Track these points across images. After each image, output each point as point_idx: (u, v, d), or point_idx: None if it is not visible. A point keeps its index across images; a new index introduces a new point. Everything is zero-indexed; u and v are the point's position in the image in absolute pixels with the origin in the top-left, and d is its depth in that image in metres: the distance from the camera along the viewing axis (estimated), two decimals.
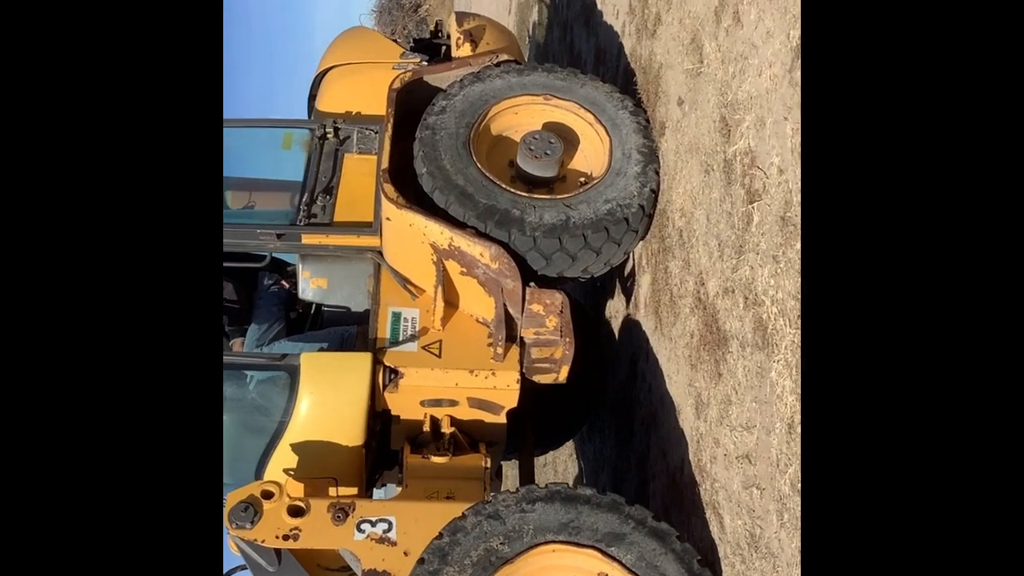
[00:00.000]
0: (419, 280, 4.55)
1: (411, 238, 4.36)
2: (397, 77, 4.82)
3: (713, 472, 3.56)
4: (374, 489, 5.09)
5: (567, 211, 4.32)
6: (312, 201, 4.67)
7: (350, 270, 4.71)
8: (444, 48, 5.50)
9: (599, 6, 6.25)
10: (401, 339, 4.39)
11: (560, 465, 7.44)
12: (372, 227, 4.59)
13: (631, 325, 5.04)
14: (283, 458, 4.28)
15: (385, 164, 4.46)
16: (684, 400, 4.00)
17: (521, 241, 4.25)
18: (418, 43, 5.64)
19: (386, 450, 4.76)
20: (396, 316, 4.48)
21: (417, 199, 4.48)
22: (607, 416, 5.66)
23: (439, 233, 4.26)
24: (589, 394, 5.80)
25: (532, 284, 4.33)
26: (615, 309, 5.51)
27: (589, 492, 3.59)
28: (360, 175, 4.82)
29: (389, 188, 4.36)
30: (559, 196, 4.40)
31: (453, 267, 4.37)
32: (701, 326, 3.77)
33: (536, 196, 4.39)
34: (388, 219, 4.42)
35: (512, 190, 4.38)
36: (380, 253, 4.60)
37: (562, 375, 4.44)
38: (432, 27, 5.92)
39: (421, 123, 4.61)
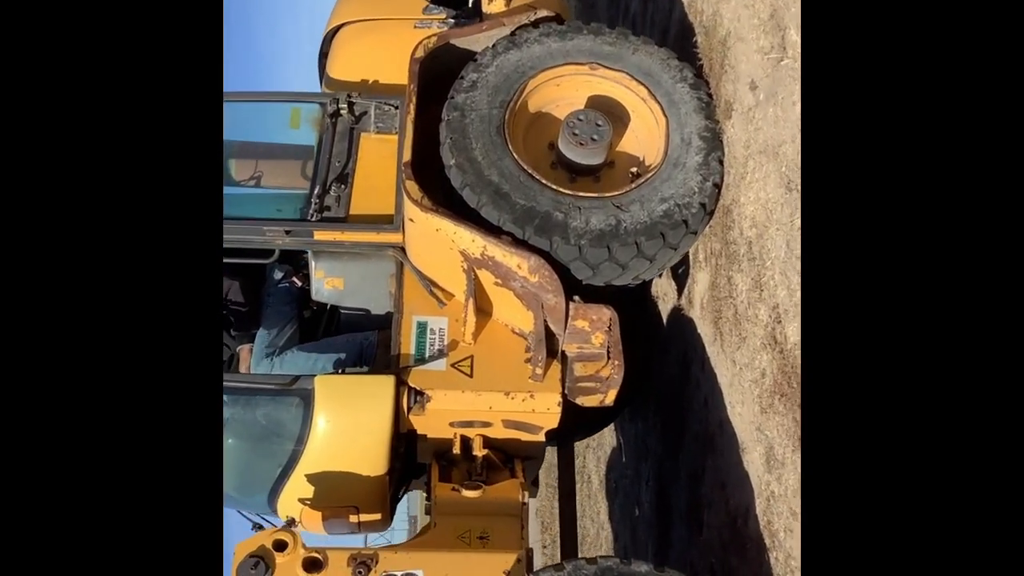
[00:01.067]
0: (447, 284, 4.02)
1: (438, 243, 3.81)
2: (420, 43, 4.15)
3: (788, 546, 3.10)
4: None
5: (617, 213, 3.73)
6: (325, 191, 4.10)
7: (369, 269, 4.18)
8: None
9: None
10: (428, 355, 3.90)
11: (602, 448, 7.02)
12: (394, 223, 4.03)
13: (683, 320, 4.50)
14: (299, 487, 3.87)
15: (407, 156, 3.86)
16: (751, 442, 3.51)
17: (564, 250, 3.69)
18: None
19: (412, 463, 4.34)
20: (422, 327, 3.97)
21: (443, 190, 3.90)
22: (652, 402, 5.19)
23: (470, 241, 3.70)
24: (633, 379, 5.32)
25: (576, 298, 3.79)
26: (662, 291, 4.96)
27: (645, 569, 3.15)
28: (379, 158, 4.23)
29: (412, 186, 3.78)
30: (607, 195, 3.80)
31: (486, 277, 3.83)
32: (775, 370, 3.24)
33: (581, 195, 3.79)
34: (411, 220, 3.86)
35: (554, 187, 3.78)
36: (403, 250, 4.06)
37: (609, 397, 3.95)
38: None
39: (448, 103, 3.98)
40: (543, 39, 4.17)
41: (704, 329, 4.18)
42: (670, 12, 4.93)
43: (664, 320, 4.91)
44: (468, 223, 3.69)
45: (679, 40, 4.64)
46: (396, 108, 4.26)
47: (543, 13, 4.33)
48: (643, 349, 5.26)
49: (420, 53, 4.13)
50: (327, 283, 4.18)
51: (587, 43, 4.17)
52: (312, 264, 4.17)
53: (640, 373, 5.26)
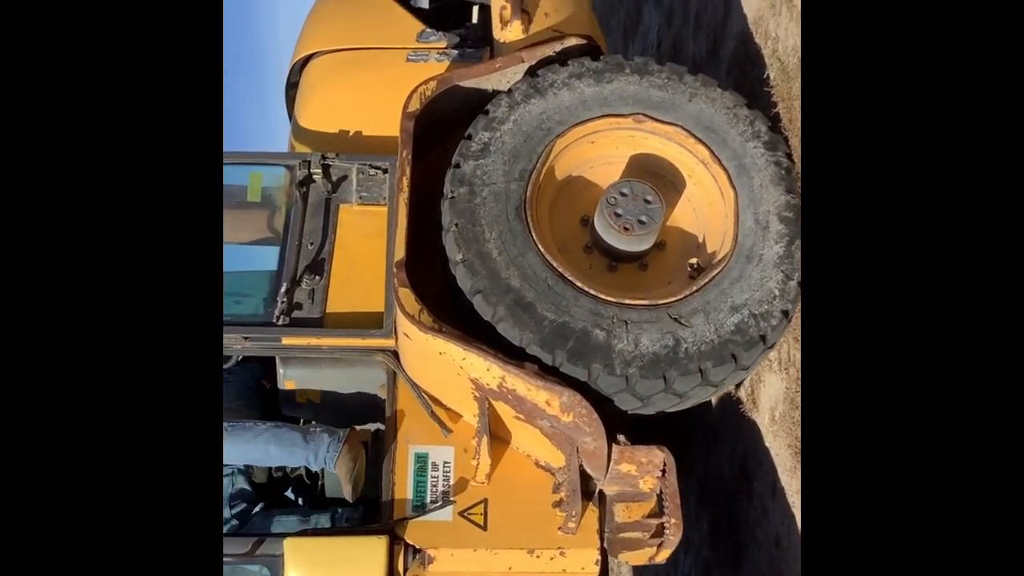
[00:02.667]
0: (454, 405, 3.16)
1: (442, 365, 2.94)
2: (414, 92, 3.20)
3: None
4: None
5: (675, 330, 2.85)
6: (295, 283, 3.20)
7: (352, 378, 3.31)
8: (478, 7, 3.82)
9: None
10: (429, 500, 3.05)
11: None
12: (383, 326, 3.14)
13: (741, 417, 3.66)
14: None
15: (400, 252, 2.95)
16: None
17: (607, 381, 2.83)
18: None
19: None
20: (421, 461, 3.12)
21: (445, 275, 3.03)
22: (696, 492, 4.38)
23: (484, 369, 2.83)
24: None
25: (622, 438, 2.94)
26: None
27: None
28: (364, 237, 3.32)
29: (407, 297, 2.89)
30: (661, 302, 2.91)
31: (505, 411, 2.97)
32: None
33: (628, 302, 2.90)
34: (406, 336, 2.98)
35: (592, 291, 2.89)
36: (395, 355, 3.18)
37: (661, 556, 3.12)
38: None
39: (452, 174, 3.06)
40: (574, 82, 3.21)
41: (777, 449, 3.33)
42: (724, 23, 3.95)
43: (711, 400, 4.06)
44: (481, 348, 2.81)
45: (736, 69, 3.69)
46: (384, 172, 3.32)
47: (572, 42, 3.37)
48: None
49: (415, 105, 3.18)
50: (299, 396, 3.31)
51: (630, 87, 3.22)
52: (280, 372, 3.29)
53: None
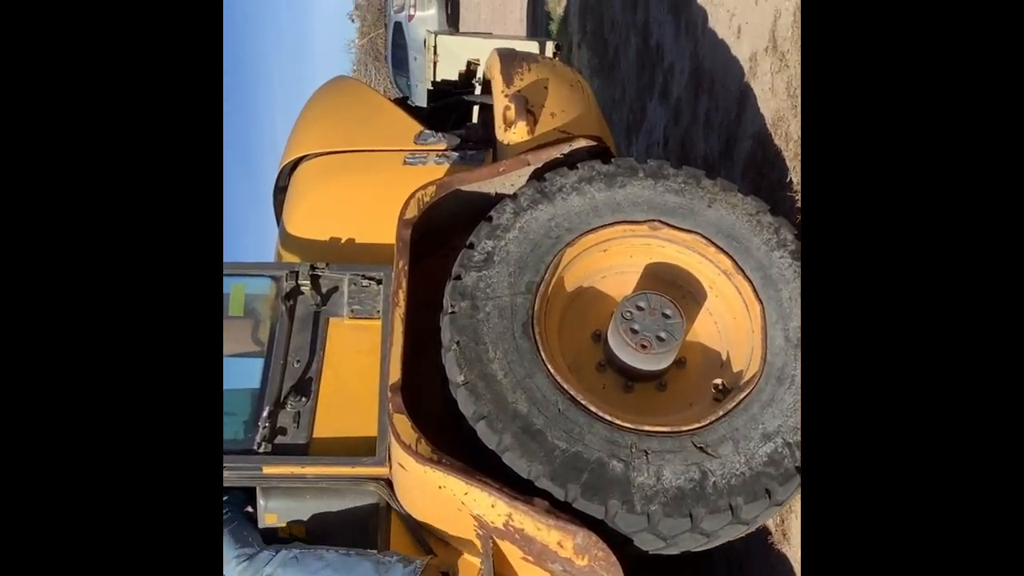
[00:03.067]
0: (454, 541, 2.84)
1: (440, 499, 2.63)
2: (412, 198, 2.97)
3: None
4: None
5: (701, 461, 2.56)
6: (279, 406, 2.91)
7: (343, 509, 2.99)
8: (478, 106, 3.63)
9: (708, 23, 4.26)
10: None
11: None
12: (376, 454, 2.84)
13: (774, 554, 3.32)
14: None
15: (395, 375, 2.68)
16: None
17: (627, 520, 2.51)
18: (438, 93, 3.78)
19: None
20: None
21: (449, 410, 2.74)
22: None
23: (488, 506, 2.53)
24: None
25: None
26: None
27: None
28: (356, 353, 3.04)
29: (403, 424, 2.61)
30: (684, 429, 2.62)
31: (512, 551, 2.65)
32: None
33: (648, 428, 2.61)
34: (402, 467, 2.68)
35: (608, 416, 2.61)
36: (388, 484, 2.87)
37: None
38: (463, 69, 4.02)
39: (452, 287, 2.81)
40: (584, 187, 2.99)
41: None
42: (737, 122, 3.76)
43: None
44: (485, 481, 2.51)
45: (752, 171, 3.48)
46: (378, 283, 3.07)
47: (580, 144, 3.16)
48: None
49: (412, 212, 2.94)
50: (282, 531, 2.98)
51: (645, 191, 3.00)
52: (260, 503, 2.97)
53: None
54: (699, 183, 3.03)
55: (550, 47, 10.13)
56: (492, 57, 3.55)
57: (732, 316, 2.92)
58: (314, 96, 3.66)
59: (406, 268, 2.82)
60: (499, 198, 3.08)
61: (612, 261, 3.01)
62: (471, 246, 2.88)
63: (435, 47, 9.79)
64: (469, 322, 2.74)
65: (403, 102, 4.12)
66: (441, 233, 3.17)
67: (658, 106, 5.21)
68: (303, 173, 3.32)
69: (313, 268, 3.03)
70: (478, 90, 4.02)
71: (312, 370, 2.96)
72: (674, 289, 3.01)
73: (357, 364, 2.99)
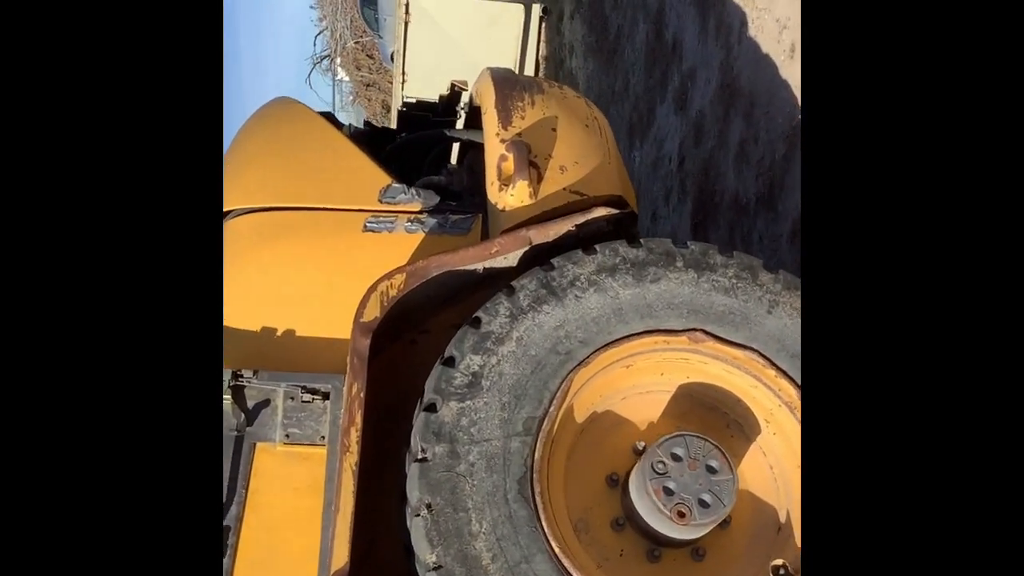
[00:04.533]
0: None
1: None
2: (372, 293, 2.20)
3: None
4: None
5: None
6: None
7: None
8: (459, 143, 2.85)
9: (748, 31, 3.45)
10: None
11: None
12: None
13: None
14: None
15: (340, 559, 1.94)
16: None
17: None
18: (411, 118, 2.99)
19: None
20: None
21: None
22: None
23: None
24: None
25: None
26: None
27: None
28: (289, 493, 2.29)
29: None
30: None
31: None
32: None
33: None
34: None
35: None
36: None
37: None
38: (446, 92, 3.21)
39: (424, 420, 2.07)
40: (605, 280, 2.24)
41: None
42: (786, 165, 3.00)
43: None
44: None
45: None
46: (325, 398, 2.31)
47: (600, 214, 2.40)
48: None
49: (372, 313, 2.17)
50: None
51: (684, 288, 2.26)
52: None
53: None
54: (756, 278, 2.29)
55: (537, 10, 9.25)
56: (483, 80, 2.75)
57: (795, 464, 2.21)
58: (247, 127, 2.82)
59: (362, 395, 2.07)
60: (489, 280, 2.33)
61: (637, 380, 2.28)
62: (451, 362, 2.13)
63: (407, 5, 8.85)
64: (446, 476, 2.00)
65: (368, 134, 3.29)
66: (410, 312, 2.42)
67: (671, 114, 4.43)
68: (228, 236, 2.51)
69: (236, 376, 2.25)
70: (461, 120, 3.22)
71: (230, 515, 2.21)
72: (715, 415, 2.30)
73: (291, 508, 2.24)
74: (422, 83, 9.01)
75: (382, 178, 2.51)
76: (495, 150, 2.49)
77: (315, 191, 2.50)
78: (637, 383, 2.29)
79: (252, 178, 2.56)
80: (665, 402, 2.31)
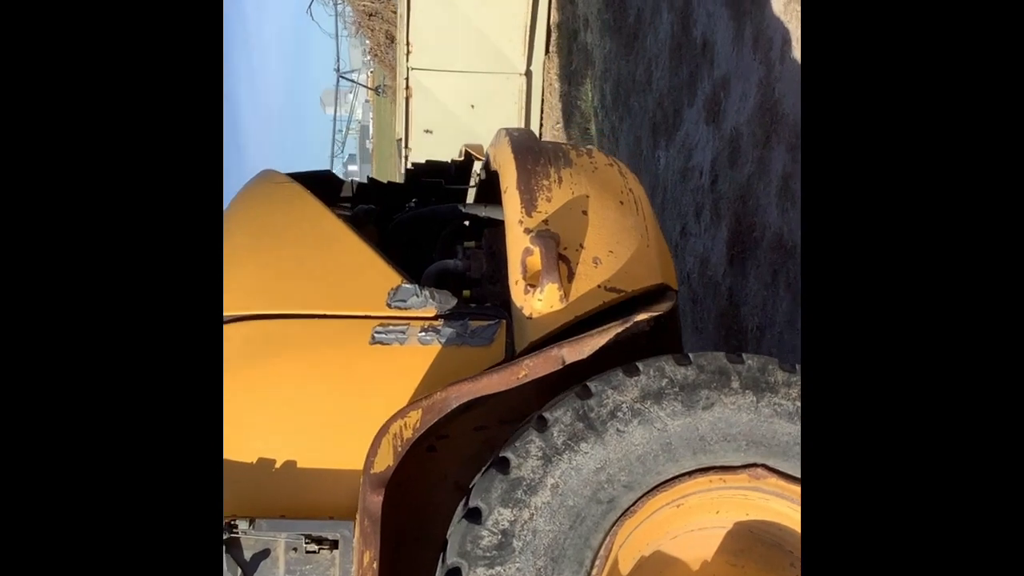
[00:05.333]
0: None
1: None
2: (383, 436, 1.91)
3: None
4: None
5: None
6: None
7: None
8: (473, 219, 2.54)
9: (795, 51, 3.08)
10: None
11: None
12: None
13: None
14: None
15: None
16: None
17: None
18: (419, 184, 2.68)
19: None
20: None
21: None
22: None
23: None
24: None
25: None
26: None
27: None
28: None
29: None
30: None
31: None
32: None
33: None
34: None
35: None
36: None
37: None
38: (459, 155, 2.87)
39: None
40: (650, 409, 1.95)
41: None
42: None
43: None
44: None
45: None
46: (333, 548, 2.03)
47: (641, 317, 2.09)
48: None
49: (384, 462, 1.89)
50: None
51: (742, 415, 1.97)
52: None
53: None
54: None
55: None
56: (502, 149, 2.42)
57: None
58: (233, 214, 2.46)
59: (375, 565, 1.79)
60: (519, 408, 2.04)
61: (688, 519, 2.01)
62: (476, 515, 1.86)
63: None
64: None
65: (373, 191, 2.94)
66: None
67: (702, 123, 4.07)
68: (229, 345, 2.20)
69: (230, 528, 1.98)
70: (472, 195, 2.87)
71: None
72: (778, 553, 2.04)
73: None
74: (428, 54, 8.61)
75: (391, 277, 2.19)
76: (519, 241, 2.17)
77: (314, 294, 2.19)
78: (689, 522, 2.01)
79: (240, 279, 2.24)
80: (720, 538, 2.04)
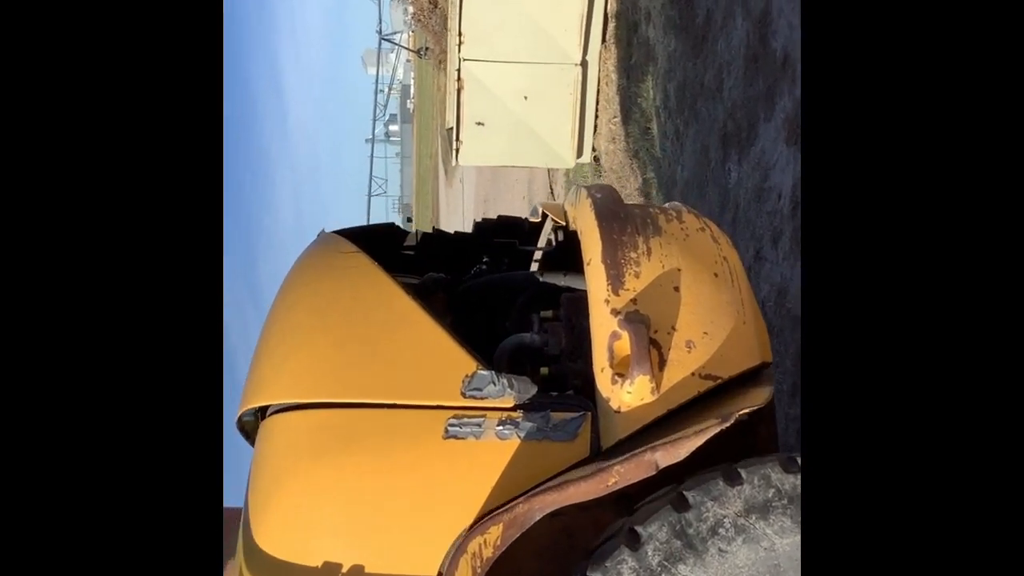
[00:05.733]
0: None
1: None
2: (461, 555, 1.75)
3: None
4: None
5: None
6: None
7: None
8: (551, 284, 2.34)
9: None
10: None
11: None
12: None
13: None
14: None
15: None
16: None
17: None
18: (484, 238, 2.50)
19: None
20: None
21: None
22: None
23: None
24: None
25: None
26: None
27: None
28: None
29: None
30: None
31: None
32: None
33: None
34: None
35: None
36: None
37: None
38: (534, 215, 2.66)
39: None
40: (755, 525, 1.76)
41: None
42: None
43: None
44: None
45: None
46: None
47: (741, 412, 1.88)
48: None
49: None
50: None
51: None
52: None
53: None
54: None
55: None
56: (583, 212, 2.21)
57: None
58: (293, 282, 2.29)
59: None
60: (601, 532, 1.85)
61: None
62: None
63: None
64: None
65: (437, 242, 2.74)
66: None
67: (780, 142, 3.81)
68: (277, 438, 2.01)
69: None
70: (539, 253, 2.65)
71: None
72: None
73: None
74: (481, 44, 8.37)
75: (465, 363, 2.00)
76: (605, 324, 1.97)
77: (384, 381, 2.00)
78: None
79: (304, 362, 2.06)
80: None
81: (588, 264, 2.10)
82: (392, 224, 2.78)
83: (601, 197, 2.21)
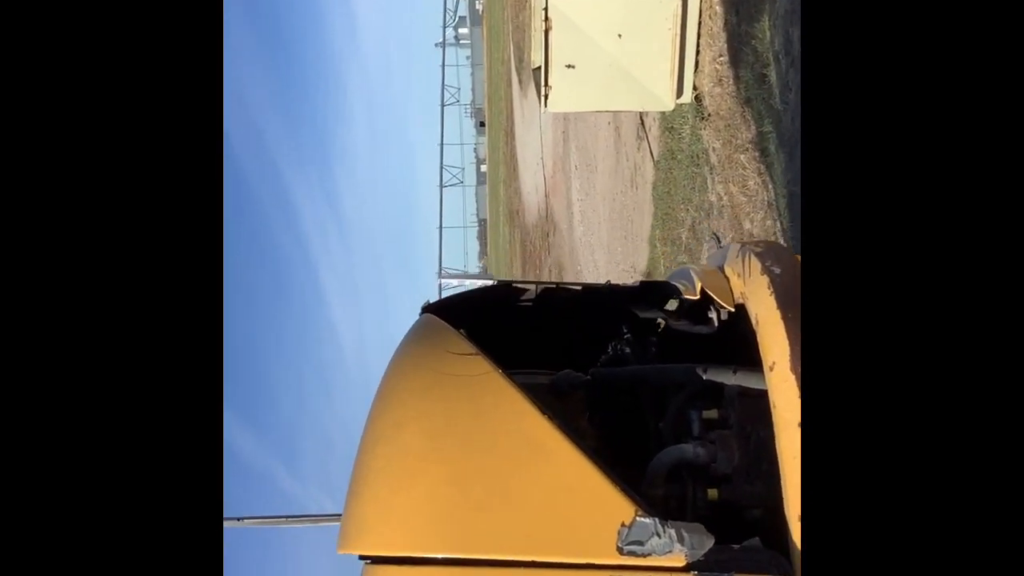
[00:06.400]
0: None
1: None
2: None
3: None
4: None
5: None
6: None
7: None
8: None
9: None
10: None
11: None
12: None
13: None
14: None
15: None
16: None
17: None
18: (619, 305, 2.03)
19: None
20: None
21: None
22: None
23: None
24: None
25: None
26: None
27: None
28: None
29: None
30: None
31: None
32: None
33: None
34: None
35: None
36: None
37: None
38: (686, 284, 2.14)
39: None
40: None
41: None
42: None
43: None
44: None
45: None
46: None
47: None
48: None
49: None
50: None
51: None
52: None
53: None
54: None
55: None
56: (754, 285, 1.72)
57: None
58: (393, 392, 1.81)
59: None
60: None
61: None
62: None
63: None
64: None
65: (568, 307, 2.26)
66: None
67: None
68: None
69: None
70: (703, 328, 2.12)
71: None
72: None
73: None
74: (568, 34, 7.72)
75: (622, 508, 1.56)
76: (792, 442, 1.50)
77: (518, 532, 1.58)
78: None
79: (417, 504, 1.66)
80: None
81: (772, 370, 1.62)
82: (505, 284, 2.30)
83: (779, 272, 1.71)
